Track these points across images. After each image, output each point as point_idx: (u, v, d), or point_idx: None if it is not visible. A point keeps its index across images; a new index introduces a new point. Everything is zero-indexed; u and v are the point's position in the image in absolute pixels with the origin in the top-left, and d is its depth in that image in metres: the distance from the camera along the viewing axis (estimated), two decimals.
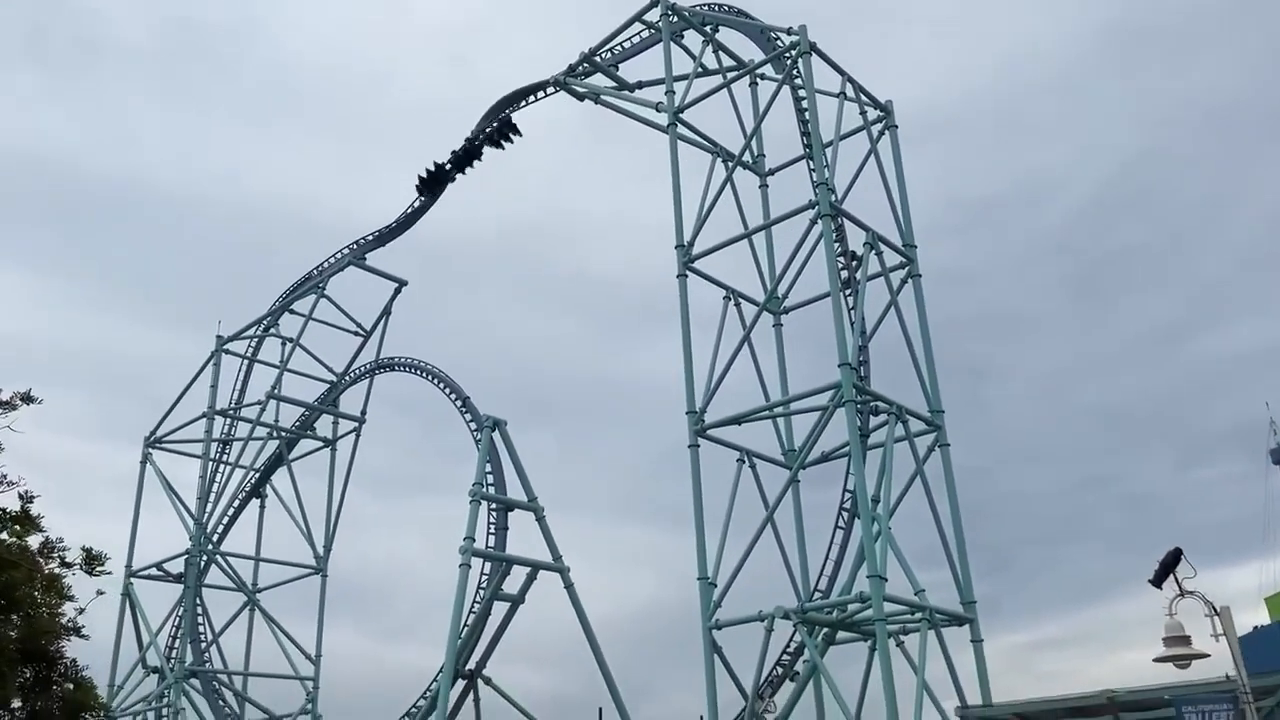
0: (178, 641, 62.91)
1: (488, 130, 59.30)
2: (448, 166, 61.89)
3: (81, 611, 15.08)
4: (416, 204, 64.95)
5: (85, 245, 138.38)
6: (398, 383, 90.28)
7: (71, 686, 15.15)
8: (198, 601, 63.98)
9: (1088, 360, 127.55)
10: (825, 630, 39.30)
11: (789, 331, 49.67)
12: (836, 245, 42.41)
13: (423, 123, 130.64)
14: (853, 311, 41.80)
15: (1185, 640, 16.43)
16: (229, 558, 66.50)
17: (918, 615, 36.67)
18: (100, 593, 15.07)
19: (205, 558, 64.86)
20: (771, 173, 50.68)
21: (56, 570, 14.74)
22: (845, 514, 43.14)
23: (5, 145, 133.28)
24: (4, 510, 13.71)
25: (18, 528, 13.56)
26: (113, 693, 64.02)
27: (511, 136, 59.29)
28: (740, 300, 46.05)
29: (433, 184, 62.85)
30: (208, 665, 62.96)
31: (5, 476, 14.08)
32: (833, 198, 40.54)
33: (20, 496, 13.73)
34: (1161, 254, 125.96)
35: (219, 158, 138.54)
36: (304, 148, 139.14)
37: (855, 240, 45.22)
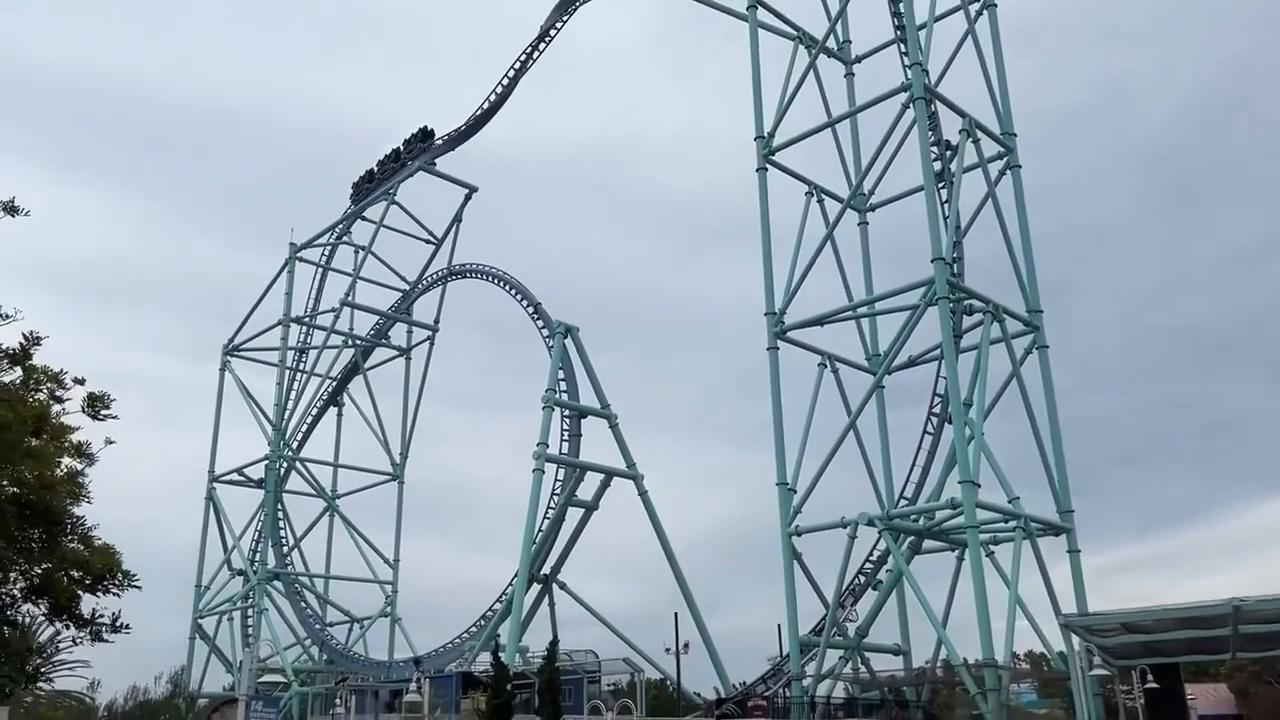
0: (259, 545, 64.04)
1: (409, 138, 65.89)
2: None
3: (92, 463, 14.01)
4: (486, 105, 63.04)
5: (166, 167, 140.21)
6: (470, 298, 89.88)
7: (82, 547, 14.08)
8: (279, 506, 64.93)
9: (1175, 278, 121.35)
10: (911, 539, 37.67)
11: (872, 233, 47.18)
12: (930, 133, 39.68)
13: (490, 38, 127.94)
14: (946, 205, 39.16)
15: None
16: (308, 464, 67.32)
17: (1011, 524, 34.79)
18: (110, 441, 13.93)
19: (285, 464, 65.63)
20: (858, 60, 47.53)
21: (45, 402, 13.71)
22: (934, 419, 40.99)
23: (91, 73, 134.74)
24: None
25: (18, 369, 12.51)
26: (200, 593, 65.98)
27: (425, 141, 65.04)
28: (823, 196, 43.57)
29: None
30: (289, 568, 64.08)
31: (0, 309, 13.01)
32: (927, 80, 37.68)
33: (25, 337, 12.63)
34: (1260, 163, 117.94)
35: (293, 79, 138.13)
36: (375, 66, 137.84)
37: (948, 131, 42.33)
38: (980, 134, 39.48)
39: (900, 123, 39.00)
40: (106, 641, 14.27)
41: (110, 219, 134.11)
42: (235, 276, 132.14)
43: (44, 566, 13.46)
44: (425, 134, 65.54)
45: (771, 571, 39.13)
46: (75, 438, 14.31)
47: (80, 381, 13.55)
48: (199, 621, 64.83)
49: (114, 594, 14.00)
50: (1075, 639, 27.90)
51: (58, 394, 13.55)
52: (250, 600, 61.64)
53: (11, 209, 12.72)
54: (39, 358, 13.50)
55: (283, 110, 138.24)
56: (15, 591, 13.78)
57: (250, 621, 61.33)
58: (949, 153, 40.86)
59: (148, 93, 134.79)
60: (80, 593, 13.83)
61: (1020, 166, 40.71)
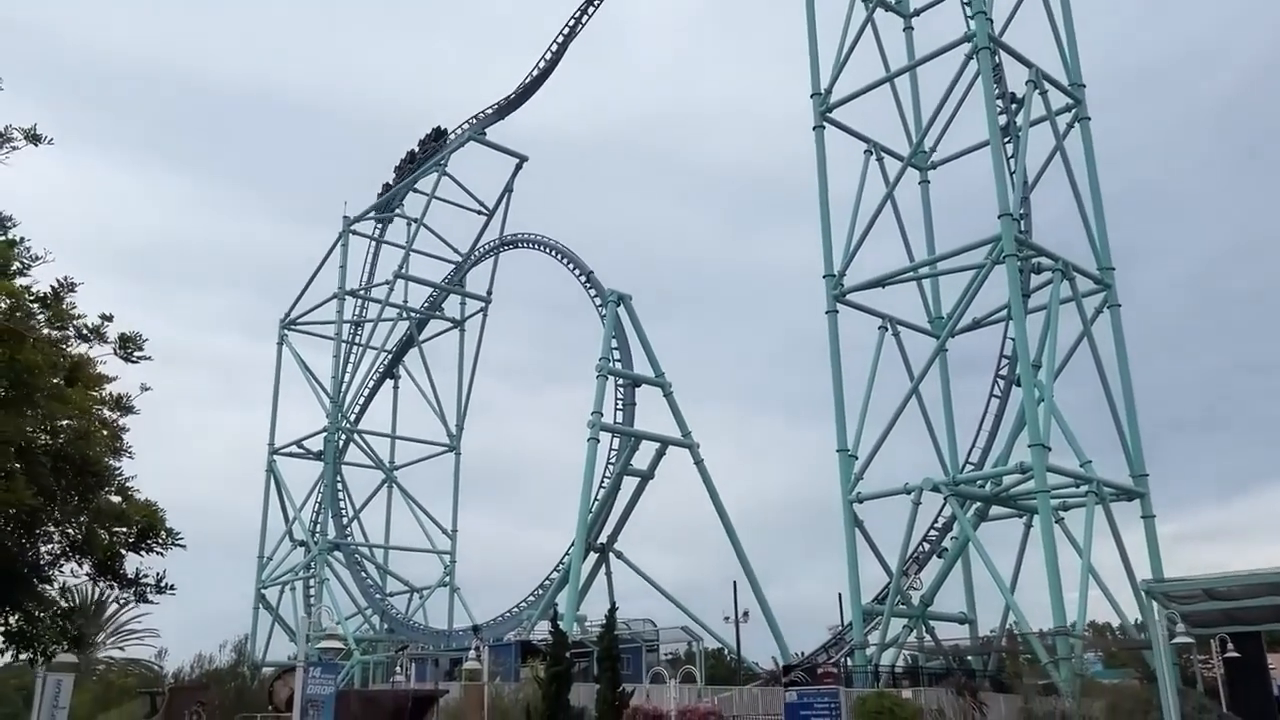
0: (320, 516, 64.70)
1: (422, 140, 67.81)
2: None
3: (128, 411, 13.38)
4: (534, 73, 62.38)
5: (218, 145, 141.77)
6: (522, 269, 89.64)
7: (119, 500, 13.52)
8: (338, 478, 65.52)
9: (1247, 241, 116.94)
10: (977, 505, 36.65)
11: (934, 192, 45.77)
12: (995, 86, 38.22)
13: (534, 18, 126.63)
14: (1012, 160, 37.73)
15: None
16: (366, 436, 67.80)
17: (1083, 489, 33.61)
18: (146, 388, 13.36)
19: (343, 436, 66.15)
20: (917, 13, 45.90)
21: (73, 342, 13.23)
22: (1001, 382, 39.74)
23: (154, 57, 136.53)
24: (27, 288, 12.24)
25: (47, 311, 12.04)
26: (262, 564, 66.96)
27: (436, 143, 66.56)
28: (883, 155, 42.32)
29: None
30: (349, 539, 64.73)
31: (30, 249, 12.58)
32: (991, 30, 36.22)
33: (58, 282, 12.21)
34: None
35: (342, 55, 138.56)
36: (425, 39, 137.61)
37: (1014, 84, 40.79)
38: (1048, 85, 37.93)
39: (963, 76, 37.61)
40: (152, 602, 13.99)
41: (165, 199, 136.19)
42: (291, 252, 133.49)
43: (80, 520, 13.10)
44: (439, 133, 66.70)
45: (827, 541, 38.58)
46: (112, 389, 13.91)
47: (108, 319, 13.13)
48: (262, 591, 65.79)
49: (158, 553, 13.65)
50: (1156, 606, 26.78)
51: (85, 335, 13.11)
52: (312, 570, 62.37)
53: (34, 137, 12.31)
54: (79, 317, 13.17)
55: (332, 85, 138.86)
56: (55, 549, 13.48)
57: (312, 591, 62.10)
58: (1014, 106, 39.39)
59: (201, 74, 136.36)
60: (123, 551, 13.49)
61: (1089, 119, 39.09)
